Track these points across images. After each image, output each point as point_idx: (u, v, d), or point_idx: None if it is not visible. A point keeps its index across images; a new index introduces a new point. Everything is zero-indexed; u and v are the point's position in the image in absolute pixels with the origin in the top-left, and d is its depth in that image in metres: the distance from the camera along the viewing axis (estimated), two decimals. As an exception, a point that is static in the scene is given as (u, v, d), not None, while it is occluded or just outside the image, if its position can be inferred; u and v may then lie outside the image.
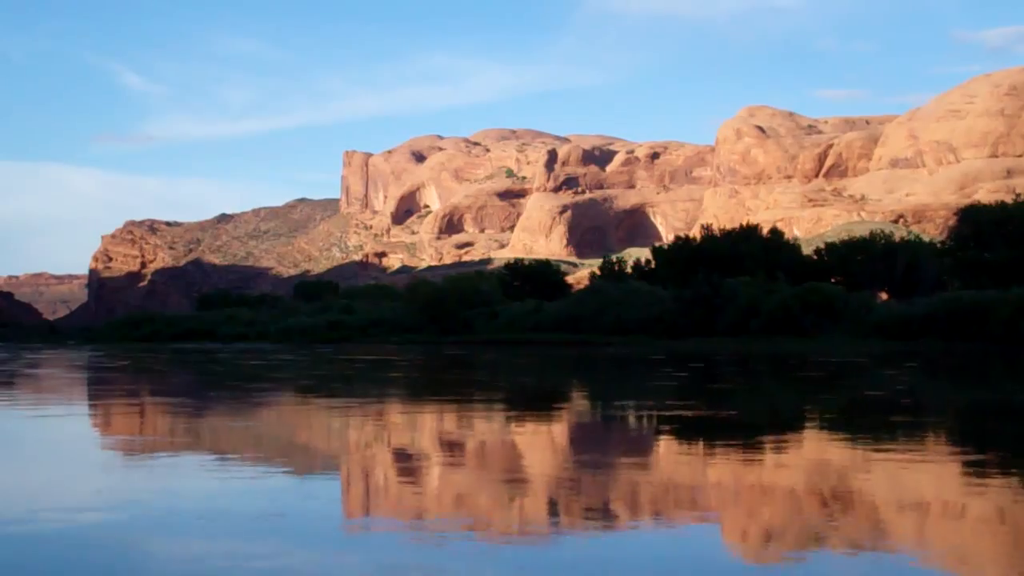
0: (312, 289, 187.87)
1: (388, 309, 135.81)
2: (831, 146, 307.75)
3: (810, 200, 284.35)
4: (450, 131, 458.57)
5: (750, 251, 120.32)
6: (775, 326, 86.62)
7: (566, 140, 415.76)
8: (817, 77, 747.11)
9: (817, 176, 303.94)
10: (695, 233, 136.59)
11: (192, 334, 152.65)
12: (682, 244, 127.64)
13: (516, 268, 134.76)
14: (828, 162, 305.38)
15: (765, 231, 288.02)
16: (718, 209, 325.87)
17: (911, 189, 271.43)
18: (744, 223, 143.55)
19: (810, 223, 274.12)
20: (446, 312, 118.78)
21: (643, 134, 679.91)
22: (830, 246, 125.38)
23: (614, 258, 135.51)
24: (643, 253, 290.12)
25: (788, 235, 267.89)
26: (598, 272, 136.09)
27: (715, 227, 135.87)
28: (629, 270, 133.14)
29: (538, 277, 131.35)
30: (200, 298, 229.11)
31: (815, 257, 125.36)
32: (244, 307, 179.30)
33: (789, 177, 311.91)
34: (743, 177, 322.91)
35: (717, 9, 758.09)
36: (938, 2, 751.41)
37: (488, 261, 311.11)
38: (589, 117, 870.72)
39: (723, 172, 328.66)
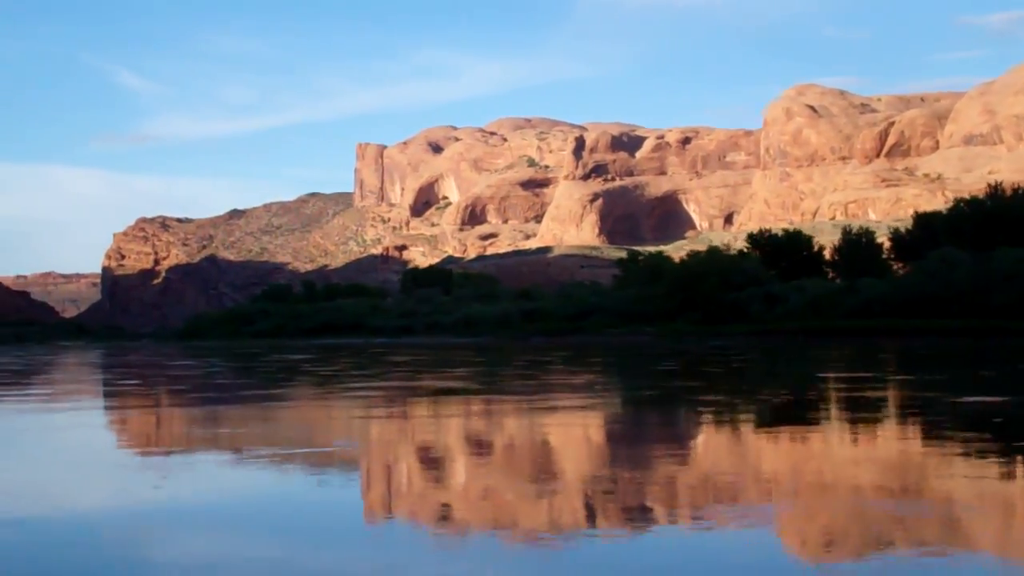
0: (426, 276, 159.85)
1: (597, 294, 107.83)
2: (892, 124, 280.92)
3: (883, 180, 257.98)
4: (457, 123, 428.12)
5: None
6: None
7: (583, 128, 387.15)
8: (819, 64, 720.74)
9: (878, 156, 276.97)
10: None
11: (331, 328, 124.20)
12: (972, 208, 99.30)
13: (760, 240, 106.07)
14: (889, 141, 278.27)
15: (836, 214, 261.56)
16: (768, 193, 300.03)
17: (992, 167, 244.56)
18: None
19: (887, 204, 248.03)
20: (705, 295, 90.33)
21: (656, 120, 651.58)
22: None
23: (855, 228, 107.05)
24: (681, 245, 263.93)
25: (862, 218, 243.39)
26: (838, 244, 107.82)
27: (1003, 187, 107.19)
28: (886, 240, 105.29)
29: (790, 250, 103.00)
30: (268, 291, 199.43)
31: None
32: (352, 299, 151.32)
33: (844, 158, 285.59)
34: (794, 159, 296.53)
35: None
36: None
37: (547, 250, 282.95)
38: (594, 106, 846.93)
39: (772, 154, 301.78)
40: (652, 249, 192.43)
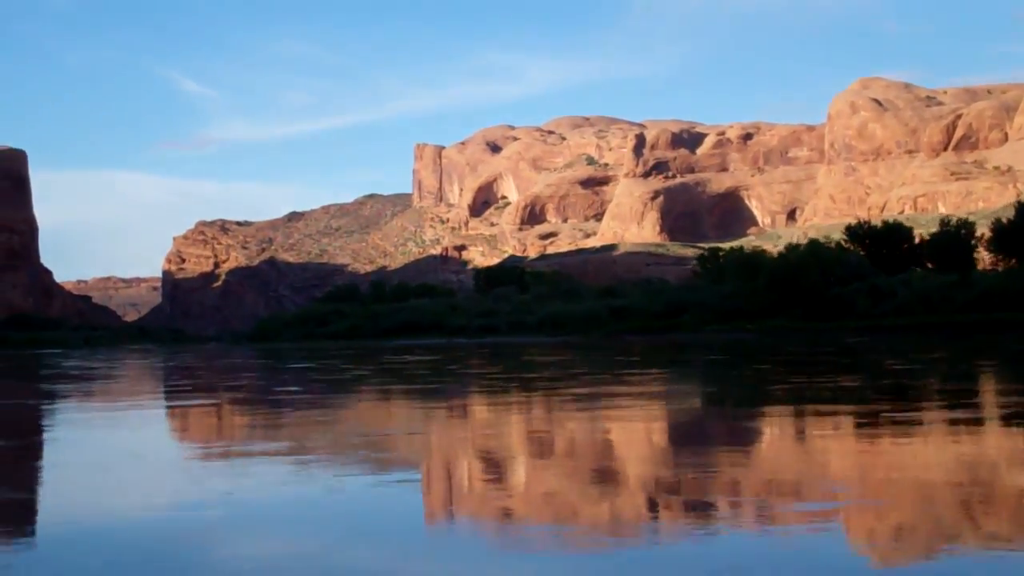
0: (499, 275, 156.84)
1: (687, 290, 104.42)
2: (959, 117, 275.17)
3: (952, 174, 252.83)
4: (514, 123, 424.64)
5: None
6: None
7: (642, 126, 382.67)
8: (878, 59, 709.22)
9: (946, 149, 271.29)
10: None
11: (410, 328, 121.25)
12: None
13: (858, 232, 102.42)
14: (957, 134, 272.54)
15: (904, 208, 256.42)
16: (834, 188, 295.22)
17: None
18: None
19: (958, 198, 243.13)
20: (807, 290, 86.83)
21: (714, 118, 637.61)
22: None
23: (953, 220, 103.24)
24: (749, 242, 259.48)
25: (932, 212, 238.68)
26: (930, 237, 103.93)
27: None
28: (987, 232, 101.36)
29: (890, 243, 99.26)
30: (334, 292, 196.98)
31: None
32: (424, 299, 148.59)
33: (911, 152, 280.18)
34: (860, 153, 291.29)
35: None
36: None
37: (612, 248, 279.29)
38: (652, 104, 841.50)
39: (837, 149, 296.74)
40: (726, 246, 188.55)
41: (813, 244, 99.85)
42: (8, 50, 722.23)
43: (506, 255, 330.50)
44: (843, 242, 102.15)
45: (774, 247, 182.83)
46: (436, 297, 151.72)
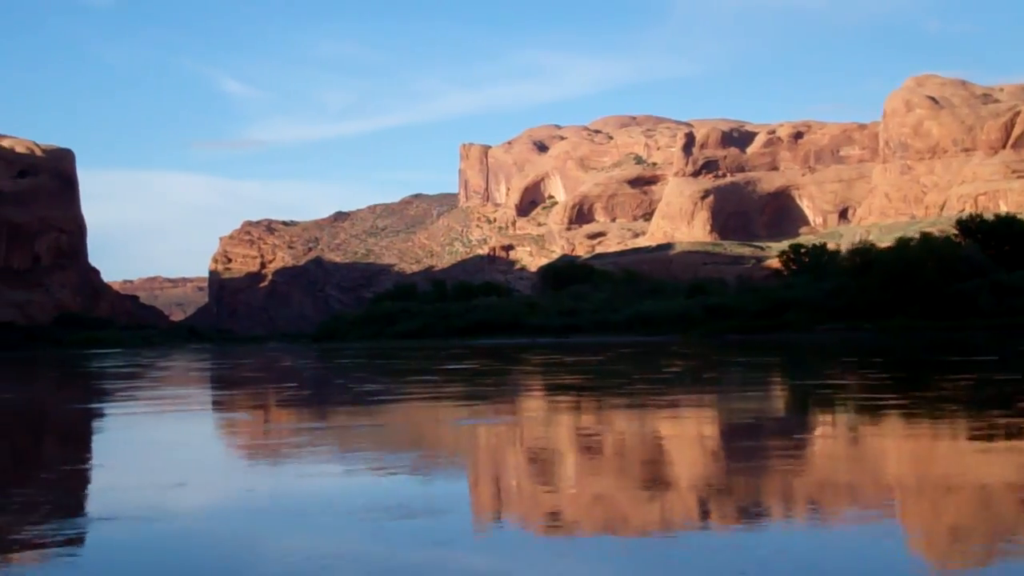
0: (564, 273, 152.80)
1: (786, 287, 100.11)
2: (1017, 114, 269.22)
3: (1014, 171, 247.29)
4: (559, 123, 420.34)
5: None
6: None
7: (689, 125, 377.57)
8: (924, 58, 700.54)
9: (1004, 147, 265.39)
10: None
11: (486, 327, 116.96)
12: None
13: (969, 226, 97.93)
14: (1016, 131, 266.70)
15: (965, 207, 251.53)
16: (889, 187, 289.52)
17: None
18: None
19: (1021, 196, 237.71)
20: (926, 287, 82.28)
21: (761, 117, 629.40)
22: None
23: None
24: (807, 240, 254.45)
25: (993, 209, 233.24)
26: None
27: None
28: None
29: (1004, 237, 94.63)
30: (392, 291, 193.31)
31: None
32: (491, 297, 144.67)
33: (967, 150, 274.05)
34: (915, 151, 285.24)
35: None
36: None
37: (667, 247, 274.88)
38: (698, 103, 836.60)
39: (892, 147, 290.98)
40: (807, 242, 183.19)
41: (927, 239, 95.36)
42: (51, 50, 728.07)
43: (554, 255, 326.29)
44: (953, 237, 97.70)
45: (835, 245, 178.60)
46: (502, 296, 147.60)
